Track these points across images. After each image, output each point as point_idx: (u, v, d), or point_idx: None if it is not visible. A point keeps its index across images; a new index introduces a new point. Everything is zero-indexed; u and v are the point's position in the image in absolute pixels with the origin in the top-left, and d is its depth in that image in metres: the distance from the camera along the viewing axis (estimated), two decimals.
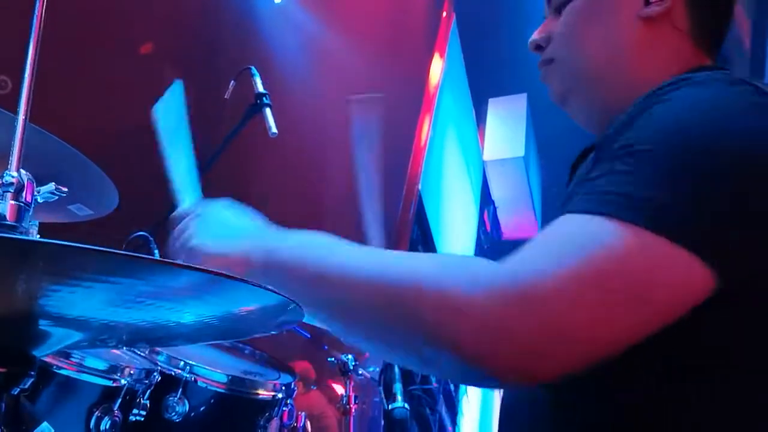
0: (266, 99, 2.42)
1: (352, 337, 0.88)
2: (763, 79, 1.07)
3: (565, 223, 0.79)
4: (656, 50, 1.04)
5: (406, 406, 1.99)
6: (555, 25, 1.11)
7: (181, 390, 1.60)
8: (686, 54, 1.03)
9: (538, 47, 1.14)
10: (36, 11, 0.90)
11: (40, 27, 0.90)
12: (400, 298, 0.78)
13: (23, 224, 0.79)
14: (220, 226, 1.07)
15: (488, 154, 8.50)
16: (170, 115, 1.16)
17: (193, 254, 1.03)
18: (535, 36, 1.14)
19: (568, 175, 1.14)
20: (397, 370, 2.12)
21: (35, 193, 0.82)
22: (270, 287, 0.71)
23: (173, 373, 1.62)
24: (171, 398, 1.59)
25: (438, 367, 0.80)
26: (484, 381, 0.80)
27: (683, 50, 1.03)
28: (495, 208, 9.13)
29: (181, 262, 0.85)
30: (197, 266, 0.66)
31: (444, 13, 6.61)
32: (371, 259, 0.85)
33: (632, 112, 0.86)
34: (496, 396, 6.99)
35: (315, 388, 4.22)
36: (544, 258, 0.75)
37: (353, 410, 2.27)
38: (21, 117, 0.79)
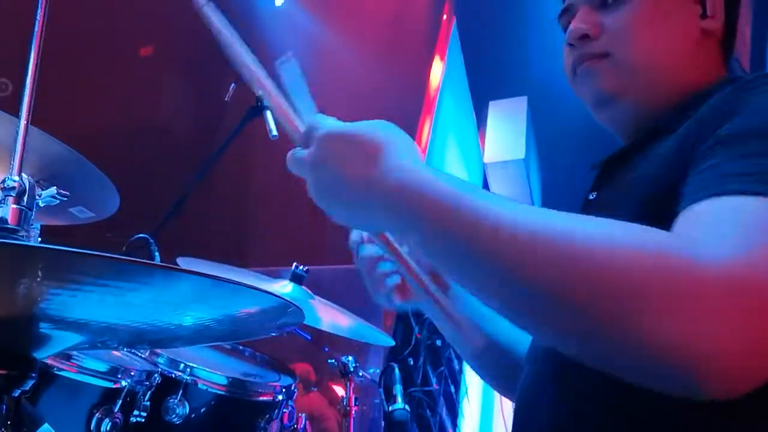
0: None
1: (487, 295, 0.74)
2: None
3: (728, 206, 0.71)
4: (702, 58, 1.07)
5: (407, 407, 1.99)
6: (607, 18, 1.08)
7: (181, 392, 1.61)
8: (718, 61, 1.09)
9: (584, 38, 1.08)
10: (38, 14, 0.91)
11: (42, 30, 0.90)
12: (590, 261, 0.65)
13: (25, 228, 0.80)
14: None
15: (489, 157, 8.48)
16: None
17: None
18: (581, 24, 1.08)
19: (596, 176, 1.11)
20: (397, 371, 2.13)
21: (37, 197, 0.82)
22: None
23: (174, 375, 1.62)
24: (171, 400, 1.59)
25: (607, 353, 0.67)
26: (674, 381, 0.64)
27: (717, 58, 1.09)
28: None
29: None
30: (196, 271, 0.66)
31: (444, 16, 6.61)
32: (540, 214, 0.73)
33: (724, 104, 0.86)
34: (497, 399, 6.98)
35: (315, 389, 4.22)
36: (743, 240, 0.66)
37: (353, 412, 2.27)
38: (23, 122, 0.79)
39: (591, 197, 1.09)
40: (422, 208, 0.75)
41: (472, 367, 1.32)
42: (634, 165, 0.99)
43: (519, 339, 1.25)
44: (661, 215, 0.78)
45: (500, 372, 1.27)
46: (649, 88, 1.07)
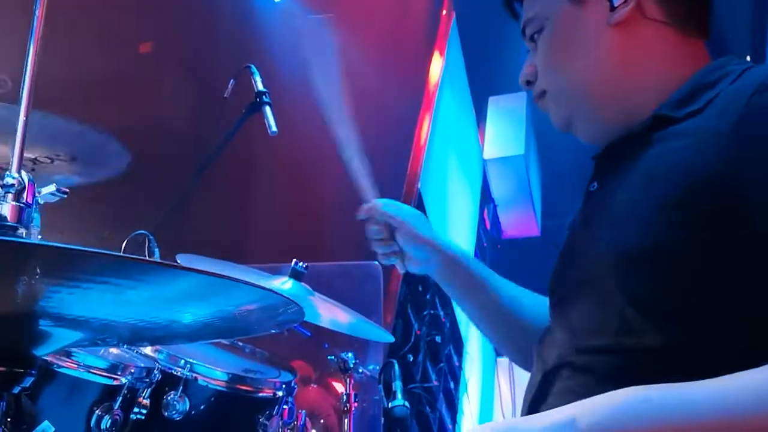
0: (266, 97, 2.42)
1: None
2: None
3: None
4: (644, 48, 1.03)
5: (407, 404, 1.99)
6: (535, 58, 1.12)
7: (181, 388, 1.61)
8: (679, 44, 1.03)
9: (529, 83, 1.14)
10: (36, 10, 0.90)
11: (40, 26, 0.90)
12: None
13: (25, 225, 0.80)
14: None
15: (488, 153, 8.48)
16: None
17: None
18: (522, 73, 1.15)
19: (595, 167, 1.12)
20: (397, 368, 2.13)
21: (36, 194, 0.82)
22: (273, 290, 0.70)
23: (174, 372, 1.62)
24: (171, 396, 1.59)
25: None
26: None
27: (674, 41, 1.03)
28: (495, 206, 9.12)
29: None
30: (195, 268, 0.66)
31: (444, 12, 6.60)
32: (739, 394, 0.75)
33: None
34: (496, 395, 6.99)
35: (315, 386, 4.22)
36: None
37: (353, 408, 2.27)
38: (22, 117, 0.79)
39: (592, 188, 1.09)
40: None
41: (478, 326, 1.38)
42: (641, 155, 0.98)
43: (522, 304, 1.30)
44: (702, 208, 0.84)
45: (503, 330, 1.33)
46: (597, 103, 1.06)
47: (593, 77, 1.05)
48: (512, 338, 1.33)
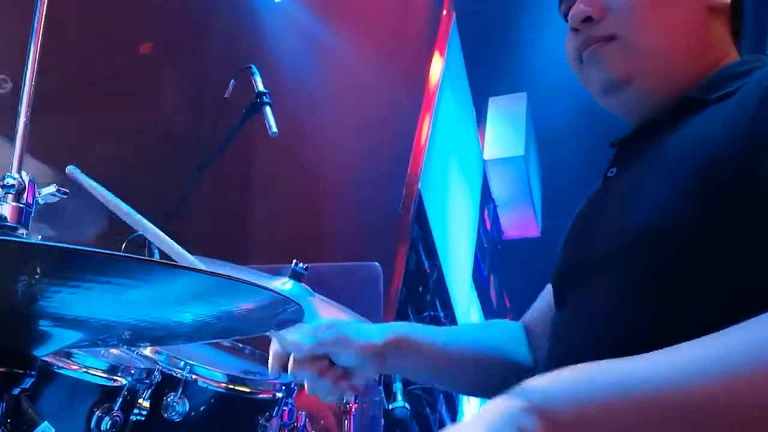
0: (266, 98, 2.42)
1: None
2: None
3: None
4: (714, 36, 1.07)
5: (407, 405, 1.99)
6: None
7: (181, 389, 1.60)
8: (728, 38, 1.09)
9: (588, 20, 1.05)
10: (36, 12, 0.90)
11: (40, 27, 0.90)
12: None
13: (24, 225, 0.80)
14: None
15: (488, 153, 8.49)
16: None
17: None
18: (583, 6, 1.05)
19: (615, 153, 1.11)
20: None
21: (36, 194, 0.82)
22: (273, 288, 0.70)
23: (173, 373, 1.62)
24: (171, 398, 1.59)
25: None
26: None
27: (726, 36, 1.09)
28: (495, 207, 9.14)
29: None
30: (196, 268, 0.66)
31: (444, 12, 6.61)
32: (701, 355, 0.72)
33: None
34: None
35: None
36: None
37: (353, 410, 2.27)
38: (22, 119, 0.79)
39: (610, 174, 1.08)
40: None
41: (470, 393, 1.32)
42: (666, 137, 0.98)
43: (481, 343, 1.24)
44: (723, 192, 0.83)
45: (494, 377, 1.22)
46: (661, 71, 1.04)
47: (674, 44, 1.05)
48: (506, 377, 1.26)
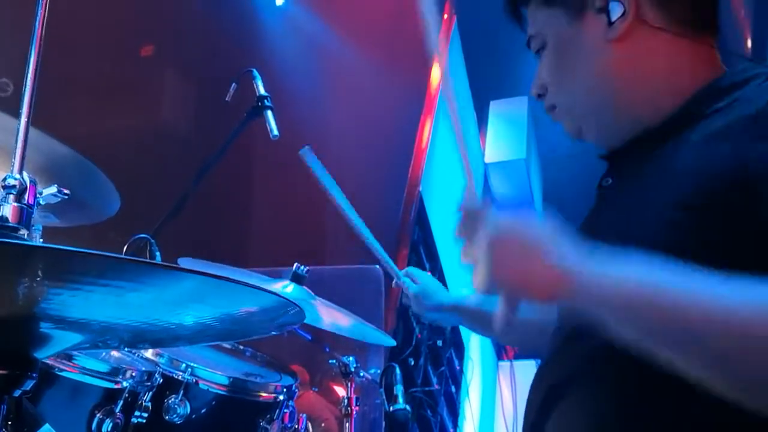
0: (268, 101, 2.42)
1: (687, 367, 0.79)
2: None
3: None
4: (650, 57, 1.03)
5: (408, 408, 1.99)
6: (542, 72, 1.12)
7: (182, 392, 1.60)
8: (686, 46, 1.02)
9: (540, 95, 1.15)
10: (38, 14, 0.90)
11: (42, 29, 0.90)
12: None
13: (26, 227, 0.79)
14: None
15: (489, 157, 8.48)
16: None
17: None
18: (533, 85, 1.15)
19: (610, 163, 1.12)
20: (398, 371, 2.12)
21: (37, 195, 0.82)
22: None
23: (175, 375, 1.62)
24: (172, 400, 1.59)
25: None
26: None
27: (680, 45, 1.02)
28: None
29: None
30: (197, 270, 0.66)
31: (445, 15, 6.61)
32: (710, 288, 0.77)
33: None
34: (498, 399, 6.97)
35: (316, 390, 4.22)
36: None
37: (354, 412, 2.27)
38: (23, 119, 0.79)
39: (605, 183, 1.09)
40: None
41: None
42: (659, 155, 0.98)
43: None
44: (724, 209, 0.84)
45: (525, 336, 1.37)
46: (605, 114, 1.06)
47: (599, 92, 1.05)
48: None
